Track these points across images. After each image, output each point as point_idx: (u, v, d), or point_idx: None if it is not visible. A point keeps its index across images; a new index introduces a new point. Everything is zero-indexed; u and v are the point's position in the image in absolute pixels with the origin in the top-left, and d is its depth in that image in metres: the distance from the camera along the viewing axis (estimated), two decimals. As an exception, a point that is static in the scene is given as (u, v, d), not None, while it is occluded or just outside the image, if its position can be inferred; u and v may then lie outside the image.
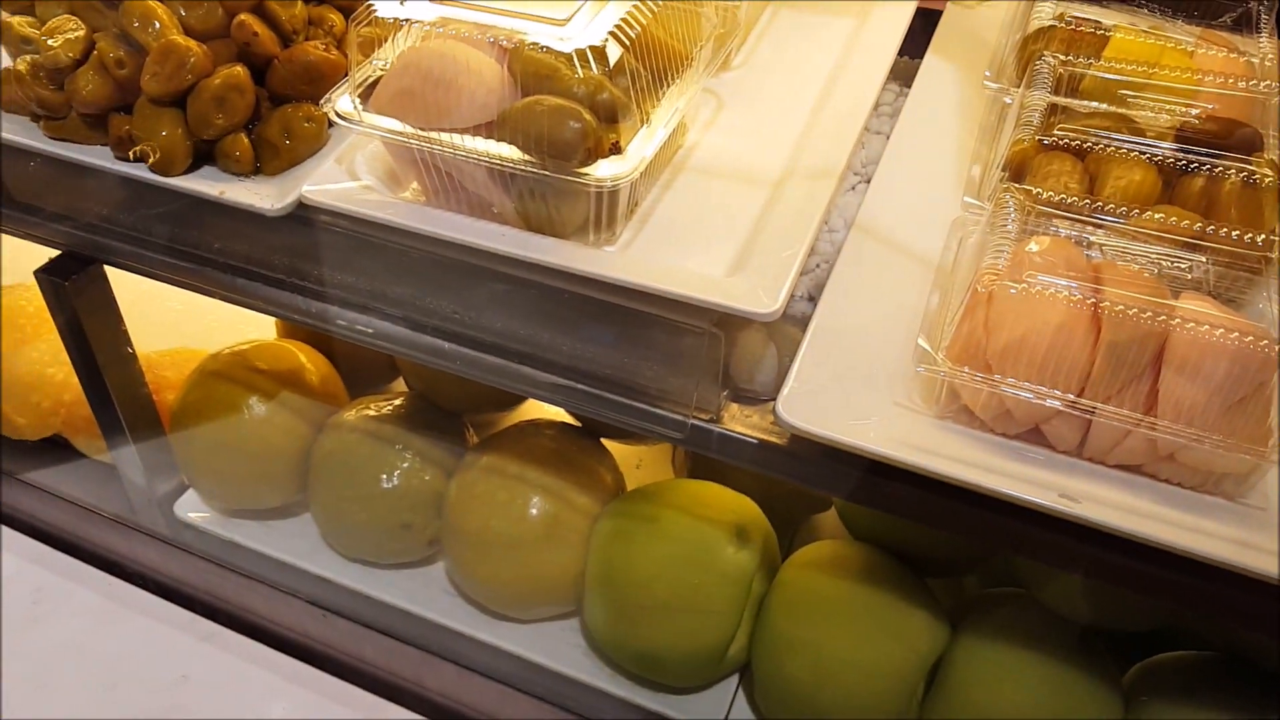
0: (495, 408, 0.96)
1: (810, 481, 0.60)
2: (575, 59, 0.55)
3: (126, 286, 0.78)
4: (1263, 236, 0.55)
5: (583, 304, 0.60)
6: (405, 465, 0.83)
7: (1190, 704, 0.67)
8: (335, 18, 0.68)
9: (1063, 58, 0.68)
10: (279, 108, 0.66)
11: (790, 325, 0.63)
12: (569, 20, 0.57)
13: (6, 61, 0.69)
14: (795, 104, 0.71)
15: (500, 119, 0.56)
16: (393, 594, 0.86)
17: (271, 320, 1.00)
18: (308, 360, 0.91)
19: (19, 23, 0.67)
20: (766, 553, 0.77)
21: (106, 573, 1.00)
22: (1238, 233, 0.55)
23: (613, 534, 0.78)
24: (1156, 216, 0.57)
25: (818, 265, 0.67)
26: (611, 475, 0.84)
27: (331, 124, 0.62)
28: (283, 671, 0.91)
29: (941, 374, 0.54)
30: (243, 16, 0.64)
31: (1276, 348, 0.49)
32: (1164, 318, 0.51)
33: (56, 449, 1.01)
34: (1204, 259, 0.57)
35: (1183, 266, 0.57)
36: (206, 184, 0.64)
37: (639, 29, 0.57)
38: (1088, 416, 0.52)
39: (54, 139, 0.68)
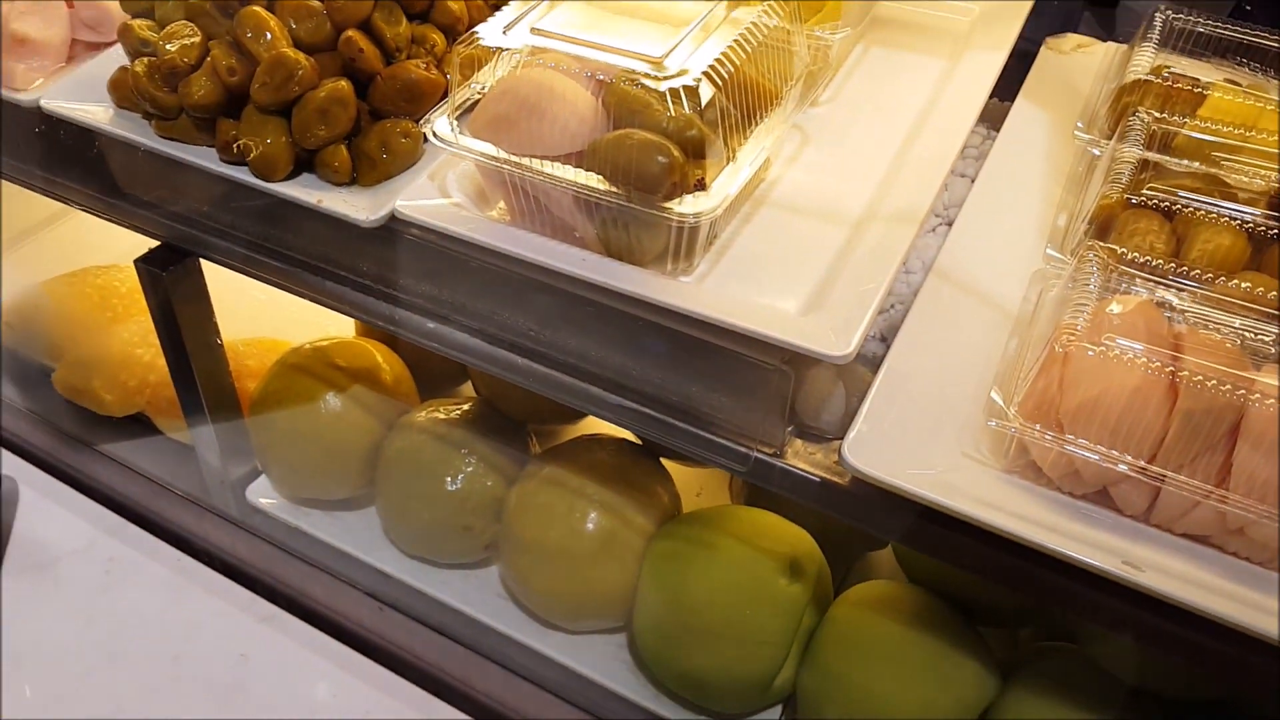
0: (559, 419, 0.98)
1: (870, 524, 0.60)
2: (668, 96, 0.56)
3: (217, 275, 0.81)
4: (1354, 313, 0.54)
5: (655, 331, 0.61)
6: (469, 469, 0.85)
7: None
8: (437, 38, 0.71)
9: (1156, 114, 0.68)
10: (378, 122, 0.68)
11: (861, 365, 0.64)
12: (665, 56, 0.58)
13: (125, 61, 0.73)
14: (881, 143, 0.71)
15: (590, 149, 0.57)
16: (447, 593, 0.88)
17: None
18: (383, 360, 0.94)
19: (139, 26, 0.71)
20: (819, 587, 0.78)
21: (177, 549, 1.03)
22: (1324, 307, 0.54)
23: (667, 554, 0.79)
24: (1243, 285, 0.56)
25: (892, 306, 0.67)
26: (669, 496, 0.85)
27: (427, 141, 0.64)
28: (337, 659, 0.93)
29: (1012, 429, 0.54)
30: (350, 33, 0.67)
31: (1359, 430, 0.48)
32: (1242, 391, 0.50)
33: (139, 426, 1.05)
34: (1290, 331, 0.56)
35: (1266, 338, 0.56)
36: (305, 191, 0.67)
37: (732, 69, 0.58)
38: (1157, 484, 0.52)
39: (164, 138, 0.71)
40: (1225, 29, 0.76)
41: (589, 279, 0.60)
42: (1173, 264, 0.57)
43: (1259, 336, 0.55)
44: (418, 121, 0.67)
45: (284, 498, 0.96)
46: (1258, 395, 0.50)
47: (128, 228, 0.78)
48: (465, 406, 0.90)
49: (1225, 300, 0.57)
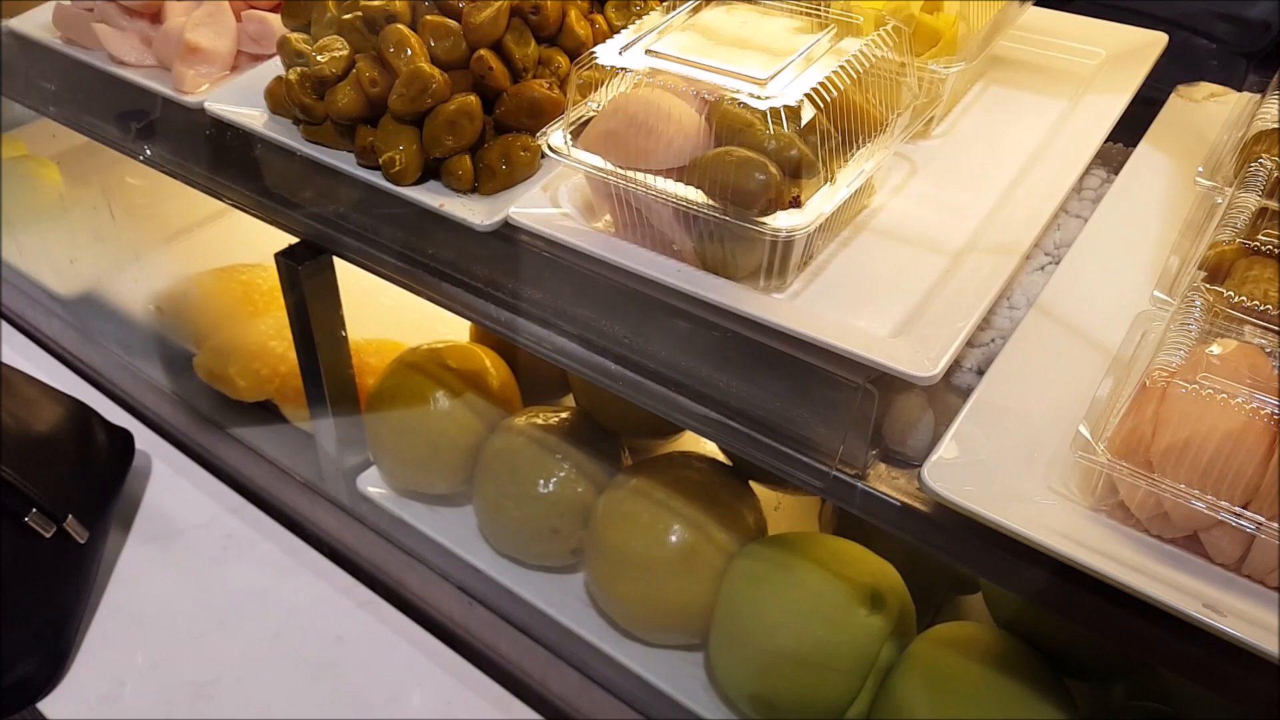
0: (653, 434, 1.00)
1: (949, 553, 0.60)
2: (769, 116, 0.58)
3: (349, 279, 0.87)
4: None
5: (744, 344, 0.63)
6: (561, 474, 0.88)
7: None
8: (562, 59, 0.75)
9: (1281, 162, 0.66)
10: (501, 136, 0.73)
11: (953, 395, 0.64)
12: (771, 79, 0.60)
13: (282, 72, 0.79)
14: (990, 179, 0.71)
15: (692, 165, 0.60)
16: (533, 593, 0.91)
17: (466, 324, 1.09)
18: (491, 364, 0.98)
19: (295, 39, 0.77)
20: (901, 622, 0.77)
21: (290, 530, 1.10)
22: None
23: (747, 574, 0.79)
24: (1358, 336, 0.54)
25: (992, 340, 0.67)
26: (754, 517, 0.85)
27: (544, 155, 0.68)
28: (425, 649, 0.97)
29: (1098, 464, 0.53)
30: (482, 52, 0.71)
31: None
32: (1348, 442, 0.48)
33: (265, 413, 1.12)
34: None
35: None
36: (430, 196, 0.72)
37: (836, 93, 0.60)
38: (1250, 531, 0.50)
39: (309, 141, 0.77)
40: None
41: (683, 289, 0.63)
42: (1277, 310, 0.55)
43: (1372, 390, 0.53)
44: (537, 136, 0.71)
45: (391, 489, 1.01)
46: (1364, 447, 0.48)
47: (271, 224, 0.85)
48: (563, 415, 0.93)
49: (1338, 352, 0.54)
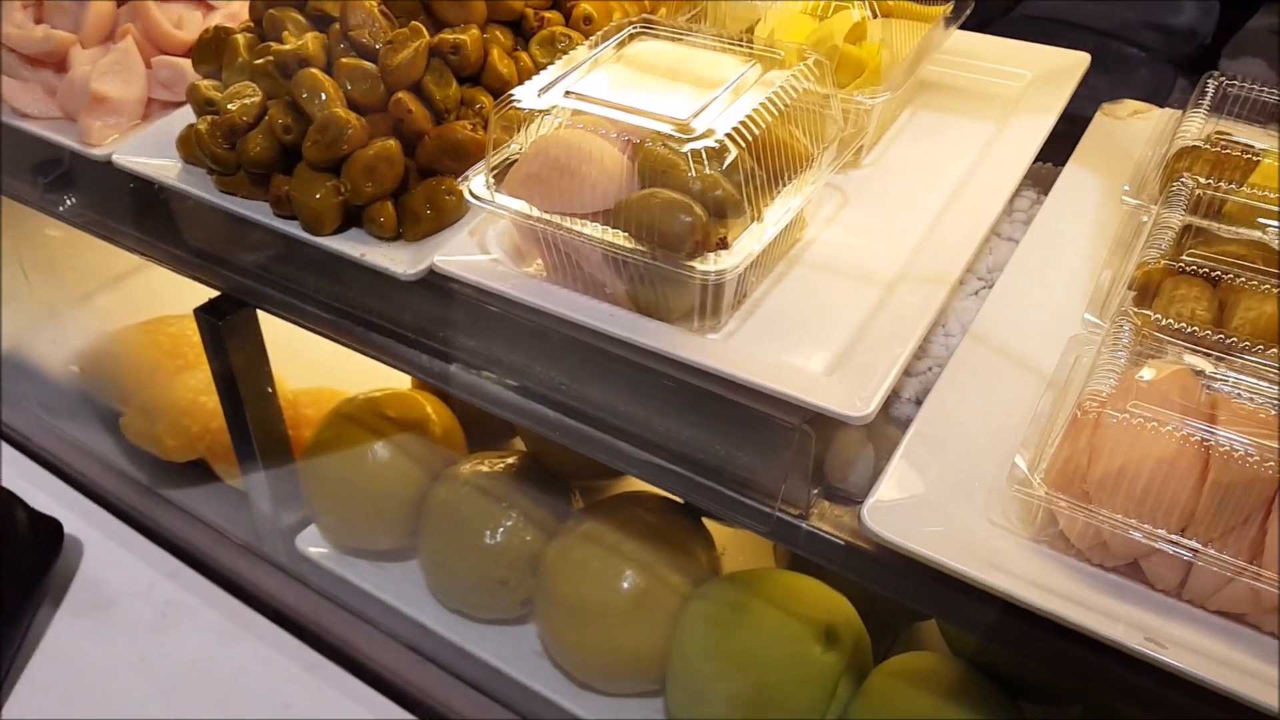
0: (603, 475, 0.98)
1: (895, 591, 0.59)
2: (691, 157, 0.57)
3: (282, 325, 0.84)
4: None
5: (682, 388, 0.62)
6: (509, 523, 0.86)
7: None
8: (485, 99, 0.73)
9: (1203, 180, 0.66)
10: (425, 180, 0.71)
11: (893, 427, 0.63)
12: (694, 117, 0.59)
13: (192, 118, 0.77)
14: (920, 206, 0.71)
15: (617, 208, 0.59)
16: (485, 649, 0.88)
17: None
18: (433, 411, 0.96)
19: (205, 86, 0.75)
20: (856, 655, 0.76)
21: (231, 594, 1.06)
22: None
23: (701, 617, 0.78)
24: (1276, 354, 0.54)
25: (930, 369, 0.66)
26: (707, 556, 0.84)
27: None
28: (377, 711, 0.94)
29: (1035, 497, 0.52)
30: (400, 94, 0.70)
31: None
32: (1276, 463, 0.48)
33: (199, 471, 1.09)
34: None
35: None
36: (351, 245, 0.70)
37: (760, 129, 0.59)
38: (1187, 558, 0.49)
39: (223, 192, 0.75)
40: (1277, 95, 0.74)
41: (615, 334, 0.61)
42: (1208, 331, 0.55)
43: (1301, 407, 0.53)
44: (461, 180, 0.70)
45: (332, 547, 0.98)
46: (1297, 468, 0.48)
47: (190, 278, 0.82)
48: (509, 460, 0.91)
49: (1265, 369, 0.54)
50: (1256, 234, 0.62)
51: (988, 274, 0.72)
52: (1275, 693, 0.46)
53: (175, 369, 1.08)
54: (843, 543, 0.59)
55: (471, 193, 0.64)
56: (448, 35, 0.72)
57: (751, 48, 0.65)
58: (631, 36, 0.69)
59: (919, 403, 0.63)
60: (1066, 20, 1.47)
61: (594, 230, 0.59)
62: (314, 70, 0.70)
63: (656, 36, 0.69)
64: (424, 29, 0.71)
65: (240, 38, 0.76)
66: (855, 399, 0.55)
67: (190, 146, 0.76)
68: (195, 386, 1.05)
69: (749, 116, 0.58)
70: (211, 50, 0.78)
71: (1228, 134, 0.73)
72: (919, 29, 0.74)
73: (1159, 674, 0.49)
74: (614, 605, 0.80)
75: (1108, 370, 0.54)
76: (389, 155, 0.69)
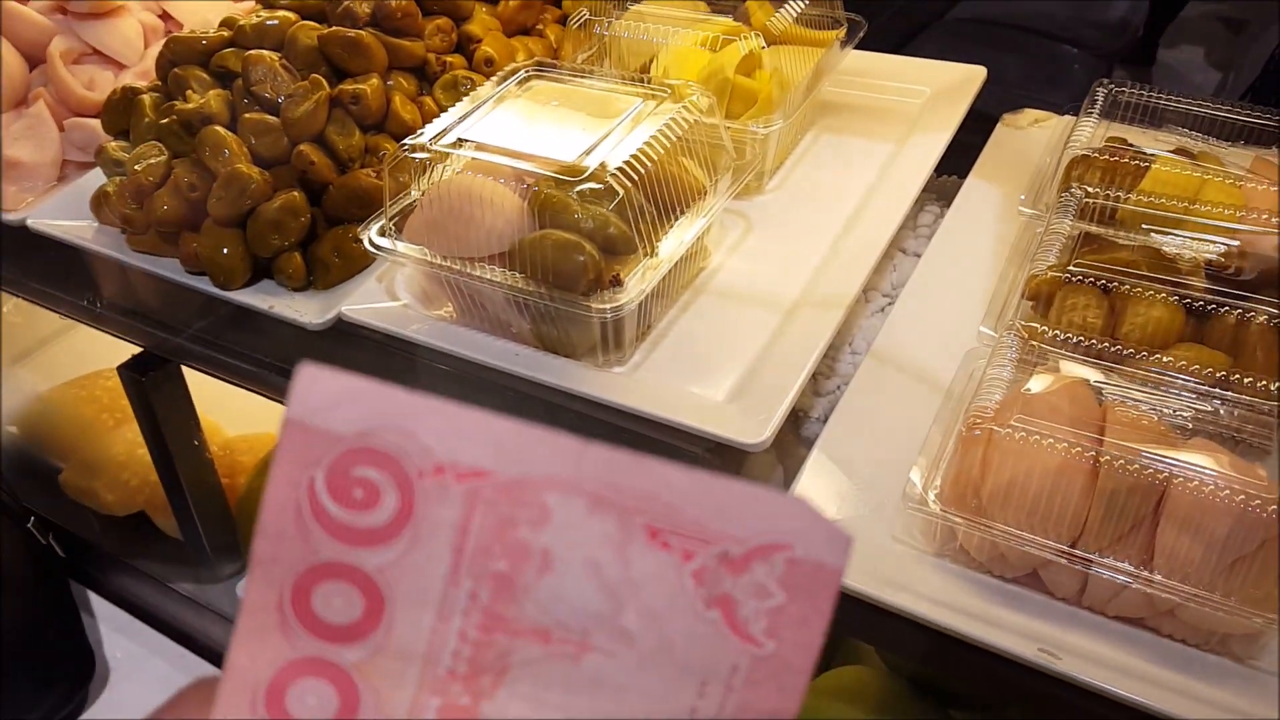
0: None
1: (807, 611, 0.59)
2: (580, 197, 0.58)
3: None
4: (1277, 384, 0.53)
5: (591, 422, 0.62)
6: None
7: None
8: (390, 147, 0.74)
9: (1092, 189, 0.68)
10: (332, 228, 0.72)
11: (803, 447, 0.64)
12: (583, 157, 0.60)
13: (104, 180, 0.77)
14: (820, 229, 0.72)
15: (514, 250, 0.59)
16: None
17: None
18: (367, 453, 0.96)
19: (113, 147, 0.75)
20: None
21: (181, 645, 1.05)
22: (1251, 379, 0.53)
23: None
24: (1166, 359, 0.55)
25: (838, 388, 0.67)
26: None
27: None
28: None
29: (929, 514, 0.53)
30: (302, 147, 0.70)
31: (1277, 506, 0.47)
32: (1164, 469, 0.49)
33: (142, 523, 1.08)
34: (1221, 405, 0.55)
35: (1202, 411, 0.55)
36: (260, 298, 0.70)
37: (650, 165, 0.60)
38: (1080, 568, 0.50)
39: (136, 251, 0.75)
40: (1169, 100, 0.76)
41: (520, 374, 0.62)
42: (1094, 340, 0.57)
43: (1185, 411, 0.54)
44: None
45: (274, 593, 0.97)
46: (1178, 473, 0.49)
47: (113, 335, 0.82)
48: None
49: (1154, 375, 0.56)
50: (1146, 240, 0.64)
51: (892, 290, 0.73)
52: (1171, 697, 0.48)
53: (114, 424, 1.07)
54: (755, 567, 0.59)
55: (371, 242, 0.64)
56: (348, 85, 0.72)
57: (643, 85, 0.67)
58: (527, 79, 0.70)
59: (825, 422, 0.64)
60: (997, 22, 1.49)
61: (494, 273, 0.60)
62: (216, 128, 0.71)
63: (550, 78, 0.70)
64: (324, 81, 0.72)
65: (146, 98, 0.77)
66: (752, 427, 0.56)
67: (101, 208, 0.76)
68: (133, 439, 1.05)
69: (637, 153, 0.59)
70: (119, 111, 0.78)
71: (1121, 140, 0.74)
72: (812, 54, 0.75)
73: (1064, 682, 0.50)
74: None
75: (995, 384, 0.55)
76: (294, 207, 0.70)
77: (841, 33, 0.78)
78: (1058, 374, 0.56)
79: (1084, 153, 0.72)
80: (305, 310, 0.68)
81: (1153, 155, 0.70)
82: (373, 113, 0.73)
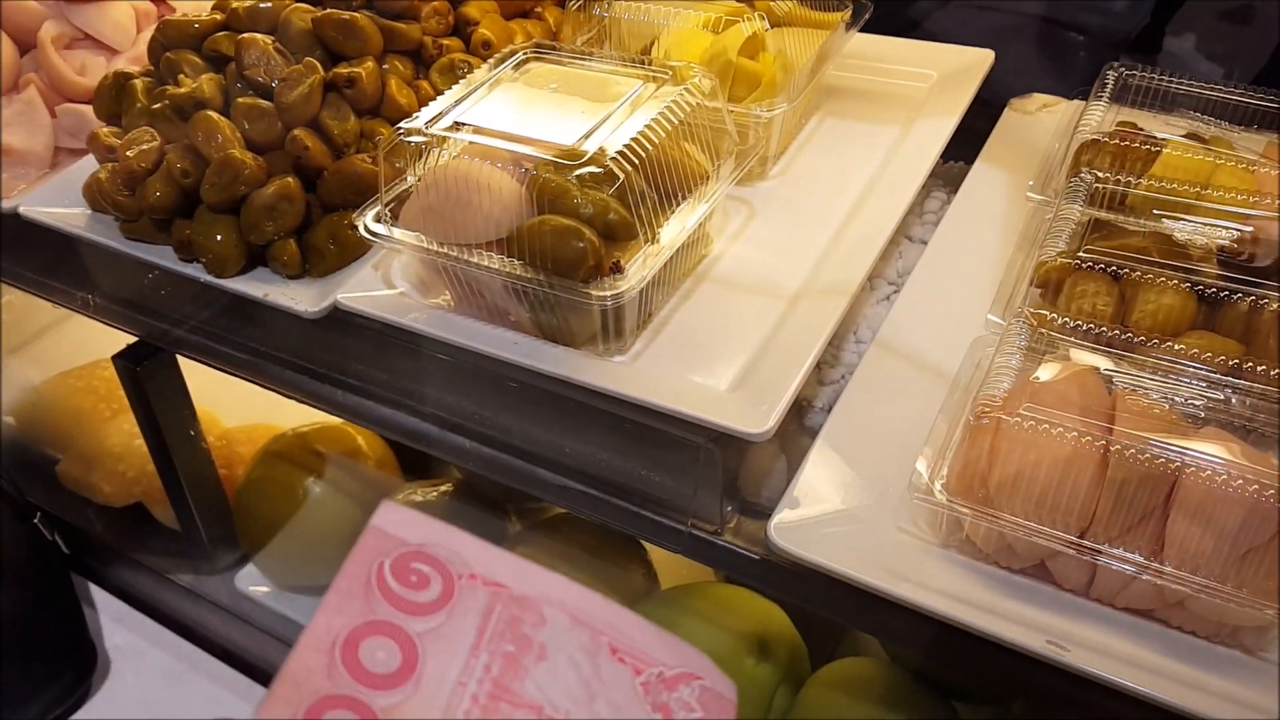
0: (538, 497, 0.97)
1: (808, 603, 0.58)
2: (580, 182, 0.56)
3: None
4: (1291, 372, 0.52)
5: (592, 412, 0.61)
6: (444, 552, 0.85)
7: None
8: (385, 131, 0.73)
9: (1101, 174, 0.66)
10: (328, 215, 0.70)
11: (806, 437, 0.63)
12: (582, 141, 0.59)
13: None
14: (825, 215, 0.71)
15: (512, 236, 0.58)
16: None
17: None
18: (365, 444, 0.95)
19: (105, 133, 0.74)
20: (791, 666, 0.76)
21: (179, 635, 1.05)
22: (1264, 367, 0.52)
23: (637, 636, 0.77)
24: (1177, 347, 0.54)
25: (842, 377, 0.66)
26: (643, 574, 0.84)
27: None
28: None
29: (936, 504, 0.52)
30: (296, 132, 0.69)
31: (1292, 497, 0.46)
32: (1175, 459, 0.48)
33: (140, 515, 1.07)
34: (1233, 394, 0.54)
35: (1214, 400, 0.53)
36: (255, 286, 0.69)
37: (650, 149, 0.59)
38: (1089, 559, 0.49)
39: (129, 239, 0.74)
40: (1180, 84, 0.75)
41: (519, 363, 0.61)
42: (1105, 327, 0.56)
43: (1198, 399, 0.53)
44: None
45: (272, 585, 0.97)
46: (1190, 463, 0.48)
47: (106, 324, 0.81)
48: (443, 488, 0.91)
49: (1164, 363, 0.55)
50: (1157, 226, 0.63)
51: (898, 278, 0.72)
52: (1180, 689, 0.47)
53: (111, 414, 1.06)
54: (757, 557, 0.58)
55: (366, 228, 0.63)
56: (343, 69, 0.71)
57: (644, 67, 0.65)
58: (524, 61, 0.68)
59: (829, 412, 0.63)
60: (1003, 9, 1.48)
61: (492, 260, 0.59)
62: (209, 112, 0.69)
63: (549, 60, 0.68)
64: (318, 64, 0.70)
65: (139, 82, 0.75)
66: (756, 416, 0.55)
67: (94, 195, 0.75)
68: (129, 431, 1.04)
69: (638, 136, 0.58)
70: (111, 96, 0.77)
71: (1131, 124, 0.73)
72: (817, 36, 0.74)
73: (1071, 675, 0.49)
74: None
75: (1003, 372, 0.54)
76: (288, 193, 0.68)
77: (847, 15, 0.76)
78: (1067, 362, 0.55)
79: (1094, 137, 0.70)
80: (300, 298, 0.67)
81: (1164, 140, 0.69)
82: (368, 97, 0.72)
